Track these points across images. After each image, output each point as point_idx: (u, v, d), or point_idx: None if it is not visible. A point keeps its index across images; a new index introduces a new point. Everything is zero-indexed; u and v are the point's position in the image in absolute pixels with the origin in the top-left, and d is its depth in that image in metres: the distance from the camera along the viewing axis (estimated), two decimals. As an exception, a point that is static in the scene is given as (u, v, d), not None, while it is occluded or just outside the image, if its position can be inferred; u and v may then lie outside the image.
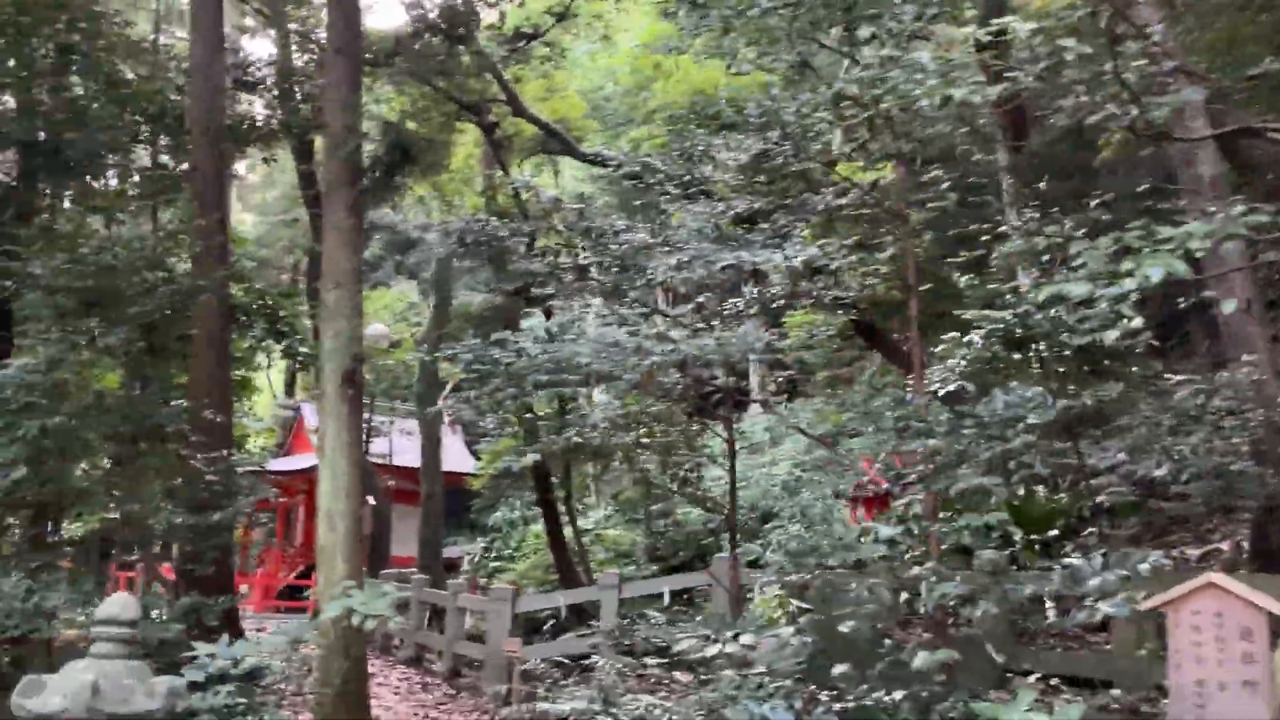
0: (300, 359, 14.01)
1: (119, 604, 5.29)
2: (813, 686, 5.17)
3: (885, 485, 20.38)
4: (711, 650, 5.78)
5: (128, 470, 9.00)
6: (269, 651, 7.15)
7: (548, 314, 19.24)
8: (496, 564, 27.51)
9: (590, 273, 9.94)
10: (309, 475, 23.73)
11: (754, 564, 22.51)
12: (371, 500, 15.73)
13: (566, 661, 11.03)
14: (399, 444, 28.77)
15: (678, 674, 7.92)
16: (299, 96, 15.58)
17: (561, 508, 20.51)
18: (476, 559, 29.17)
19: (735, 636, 5.79)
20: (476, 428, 36.32)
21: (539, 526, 31.33)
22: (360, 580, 7.97)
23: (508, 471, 20.05)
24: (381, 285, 39.47)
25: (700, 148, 9.93)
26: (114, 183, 14.81)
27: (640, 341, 6.07)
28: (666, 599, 11.38)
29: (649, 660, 8.05)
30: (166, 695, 5.13)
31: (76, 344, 8.54)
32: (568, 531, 20.77)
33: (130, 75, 14.14)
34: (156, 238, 10.00)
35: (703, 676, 6.30)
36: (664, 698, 6.60)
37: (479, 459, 31.35)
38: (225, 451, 10.61)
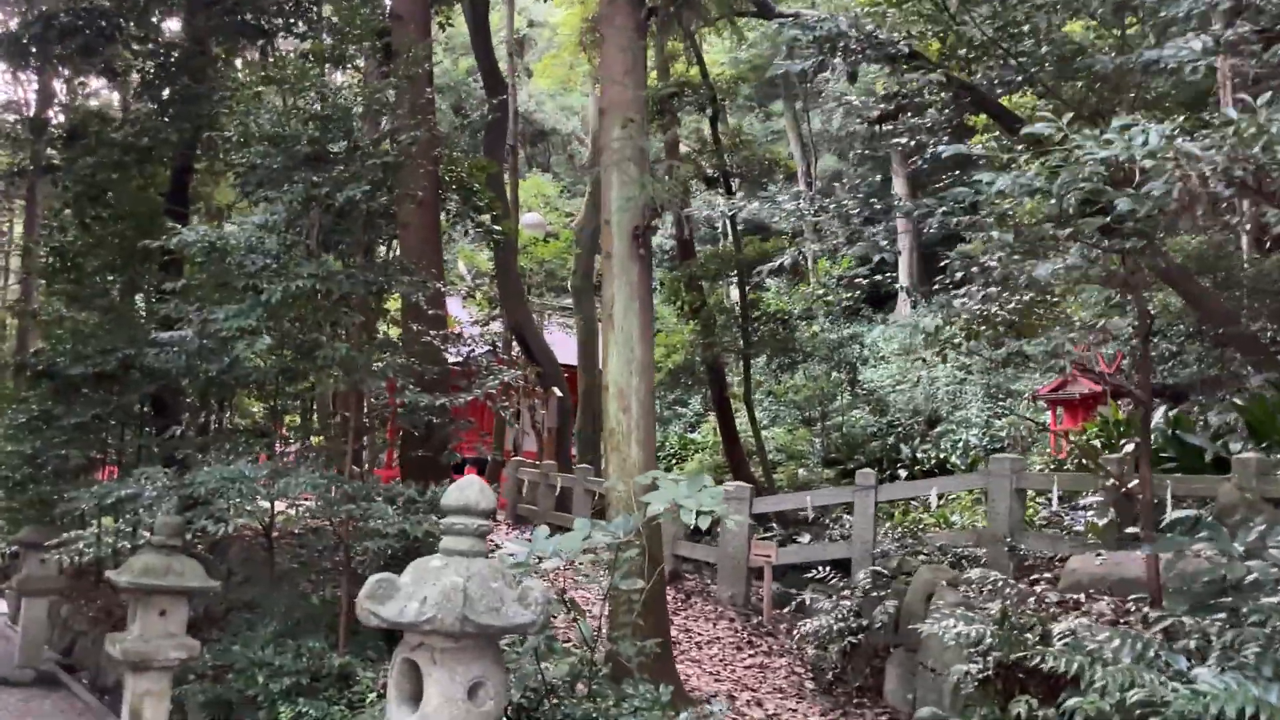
0: (498, 237, 12.89)
1: (474, 489, 4.21)
2: None
3: (1090, 388, 18.71)
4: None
5: (364, 342, 8.01)
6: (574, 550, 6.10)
7: (729, 190, 17.75)
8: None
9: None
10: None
11: (944, 467, 21.19)
12: (558, 392, 14.81)
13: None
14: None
15: (1046, 591, 6.63)
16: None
17: (739, 406, 19.40)
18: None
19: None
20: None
21: (679, 427, 30.48)
22: (654, 467, 6.90)
23: (689, 366, 18.96)
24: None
25: None
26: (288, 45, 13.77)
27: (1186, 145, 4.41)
28: (934, 502, 10.11)
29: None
30: (542, 604, 4.07)
31: (315, 197, 7.47)
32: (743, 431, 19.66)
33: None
34: (376, 86, 8.79)
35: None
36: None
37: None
38: (443, 330, 9.62)
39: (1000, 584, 6.13)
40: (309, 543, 8.62)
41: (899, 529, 11.60)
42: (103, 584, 14.99)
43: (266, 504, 9.01)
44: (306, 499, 8.83)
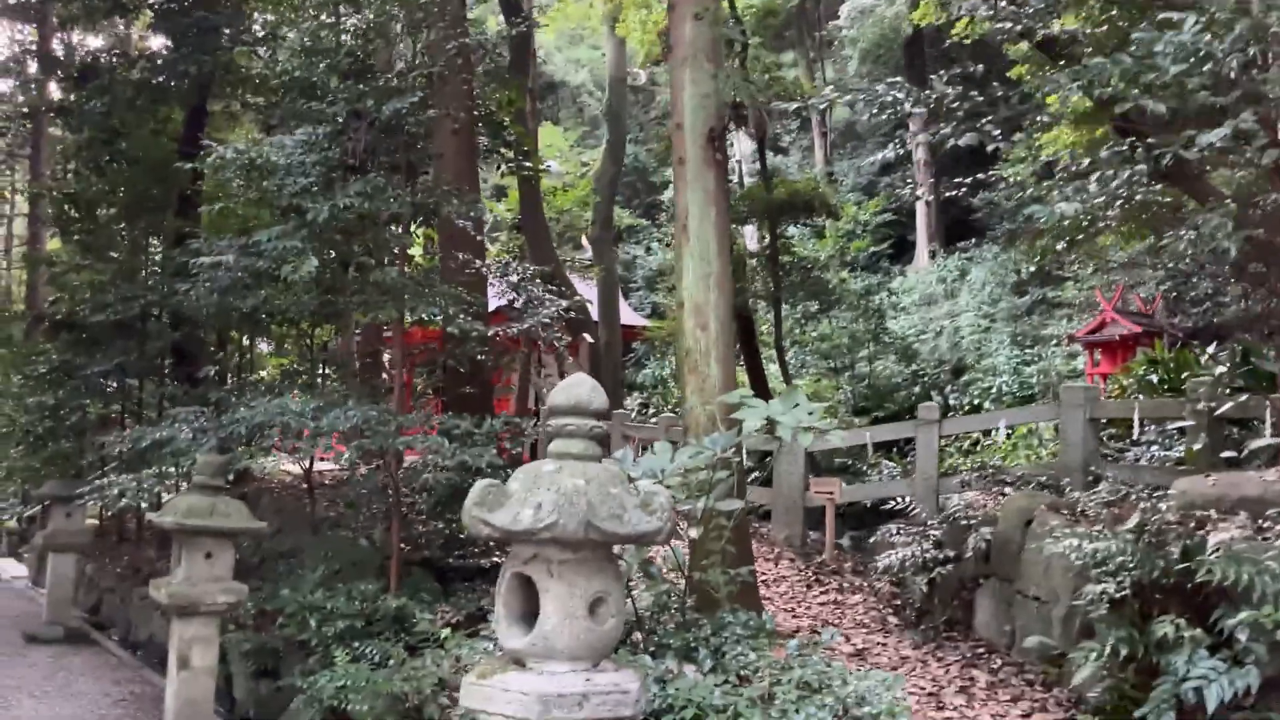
0: (527, 174, 12.36)
1: (586, 387, 3.78)
2: None
3: (1130, 328, 18.28)
4: None
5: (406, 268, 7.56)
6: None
7: (761, 135, 17.15)
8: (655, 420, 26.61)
9: None
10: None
11: (976, 410, 20.79)
12: (589, 339, 14.30)
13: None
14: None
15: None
16: None
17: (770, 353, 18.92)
18: (634, 414, 28.38)
19: None
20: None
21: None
22: (734, 387, 6.47)
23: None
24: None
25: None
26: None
27: None
28: (1002, 435, 9.69)
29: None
30: (667, 510, 3.64)
31: (359, 111, 6.97)
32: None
33: None
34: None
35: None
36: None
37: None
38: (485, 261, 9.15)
39: (1133, 496, 5.70)
40: (354, 483, 8.19)
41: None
42: (126, 541, 14.70)
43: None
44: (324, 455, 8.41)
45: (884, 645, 6.57)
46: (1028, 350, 24.19)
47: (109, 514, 14.92)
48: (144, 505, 8.80)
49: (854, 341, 21.47)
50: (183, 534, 7.14)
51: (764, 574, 8.70)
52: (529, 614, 3.73)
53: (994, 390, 21.06)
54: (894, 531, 7.76)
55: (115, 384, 12.25)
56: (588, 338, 14.48)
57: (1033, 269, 27.04)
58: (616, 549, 4.87)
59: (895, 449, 15.00)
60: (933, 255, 31.14)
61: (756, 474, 11.79)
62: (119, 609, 12.97)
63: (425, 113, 7.16)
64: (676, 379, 6.38)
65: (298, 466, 13.14)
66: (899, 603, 7.43)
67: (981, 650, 6.41)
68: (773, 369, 19.33)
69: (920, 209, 31.68)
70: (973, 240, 29.08)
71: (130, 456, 10.18)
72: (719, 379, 6.12)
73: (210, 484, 7.34)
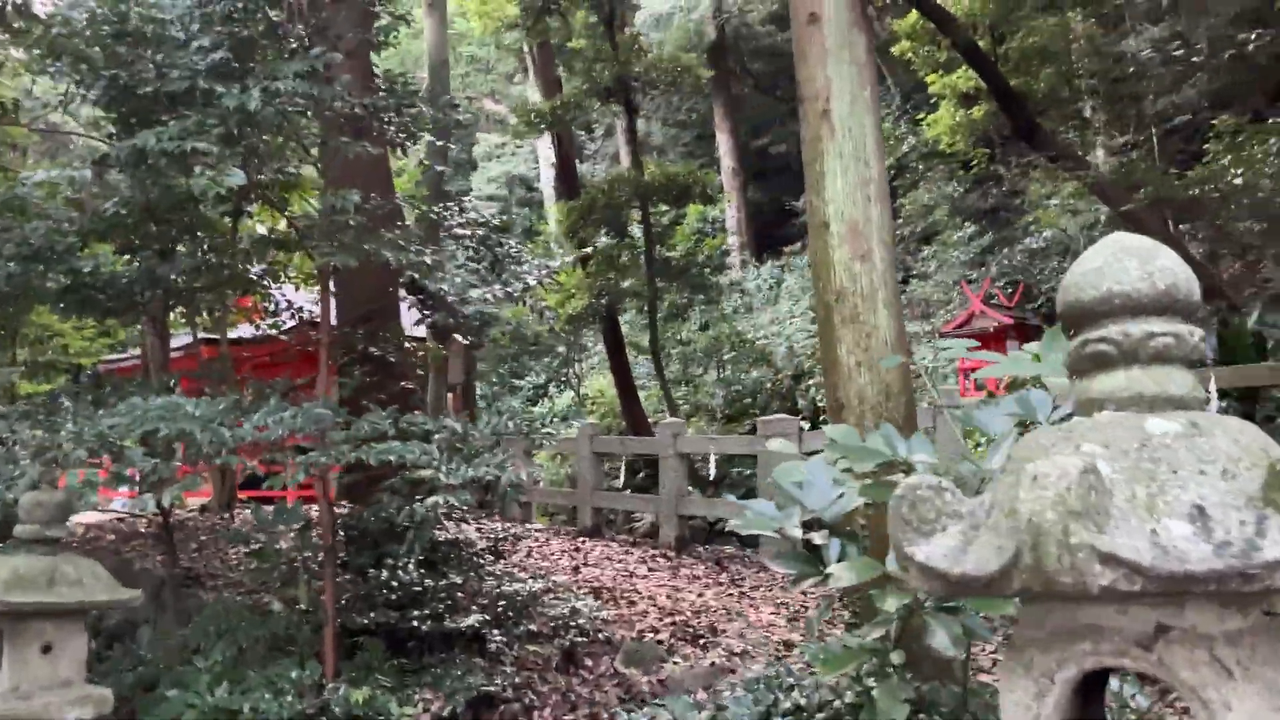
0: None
1: (1171, 260, 1.79)
2: None
3: (1000, 320, 17.89)
4: None
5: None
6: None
7: (629, 106, 15.28)
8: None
9: None
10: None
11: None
12: (462, 339, 11.85)
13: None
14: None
15: None
16: None
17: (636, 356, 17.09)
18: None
19: None
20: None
21: (517, 401, 27.86)
22: (906, 342, 4.60)
23: (593, 312, 16.32)
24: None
25: None
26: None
27: None
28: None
29: None
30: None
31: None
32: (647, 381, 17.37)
33: None
34: None
35: None
36: None
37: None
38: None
39: None
40: (263, 520, 5.60)
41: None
42: None
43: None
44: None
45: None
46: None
47: None
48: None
49: (716, 344, 20.08)
50: (8, 619, 4.48)
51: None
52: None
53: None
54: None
55: None
56: (459, 339, 12.02)
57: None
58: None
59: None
60: (743, 264, 30.36)
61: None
62: None
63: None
64: (820, 335, 4.34)
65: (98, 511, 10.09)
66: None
67: None
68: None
69: (730, 217, 30.82)
70: (798, 245, 28.54)
71: None
72: (889, 329, 4.20)
73: (46, 535, 4.71)
